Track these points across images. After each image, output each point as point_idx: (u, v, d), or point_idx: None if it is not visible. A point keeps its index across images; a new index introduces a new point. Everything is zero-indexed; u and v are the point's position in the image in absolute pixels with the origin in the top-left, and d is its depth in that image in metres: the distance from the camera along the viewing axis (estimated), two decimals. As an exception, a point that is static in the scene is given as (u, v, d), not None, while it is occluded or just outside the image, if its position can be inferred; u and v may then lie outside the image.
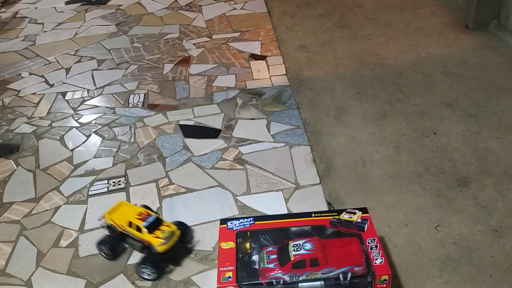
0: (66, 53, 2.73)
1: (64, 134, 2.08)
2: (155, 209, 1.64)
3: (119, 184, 1.78)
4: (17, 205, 1.74)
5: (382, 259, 1.13)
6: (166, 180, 1.78)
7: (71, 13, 3.24)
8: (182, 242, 1.46)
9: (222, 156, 1.87)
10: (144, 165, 1.87)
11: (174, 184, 1.76)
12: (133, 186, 1.77)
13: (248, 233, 1.25)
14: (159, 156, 1.90)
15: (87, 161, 1.92)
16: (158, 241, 1.38)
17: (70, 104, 2.28)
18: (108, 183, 1.79)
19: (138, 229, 1.40)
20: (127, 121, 2.13)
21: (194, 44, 2.72)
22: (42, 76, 2.53)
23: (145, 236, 1.39)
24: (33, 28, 3.07)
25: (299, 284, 1.11)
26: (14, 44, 2.89)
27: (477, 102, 2.07)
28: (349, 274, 1.10)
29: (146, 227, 1.39)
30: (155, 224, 1.41)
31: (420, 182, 1.70)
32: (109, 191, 1.75)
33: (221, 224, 1.29)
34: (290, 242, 1.18)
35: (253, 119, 2.07)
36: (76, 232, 1.61)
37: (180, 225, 1.49)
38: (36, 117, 2.21)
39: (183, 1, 3.28)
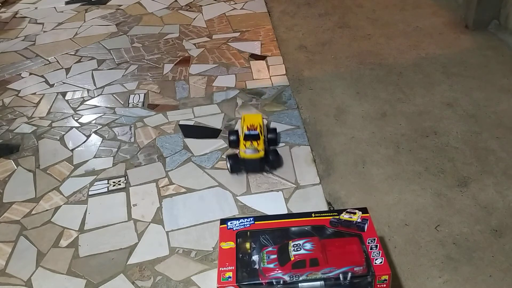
0: (66, 53, 2.73)
1: (64, 134, 2.08)
2: (155, 209, 1.65)
3: (119, 184, 1.78)
4: (17, 205, 1.74)
5: (382, 259, 1.13)
6: (166, 180, 1.78)
7: (71, 13, 3.24)
8: (266, 162, 1.71)
9: (222, 156, 1.87)
10: (144, 165, 1.87)
11: (174, 184, 1.76)
12: (133, 186, 1.77)
13: (248, 233, 1.25)
14: (159, 156, 1.90)
15: (87, 161, 1.92)
16: (242, 148, 1.68)
17: (70, 104, 2.28)
18: (108, 183, 1.79)
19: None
20: (127, 121, 2.13)
21: (194, 44, 2.72)
22: (42, 76, 2.53)
23: (240, 140, 1.72)
24: (33, 28, 3.07)
25: (299, 284, 1.11)
26: (14, 44, 2.89)
27: (477, 102, 2.07)
28: (349, 274, 1.10)
29: (244, 135, 1.69)
30: (251, 137, 1.67)
31: (420, 182, 1.70)
32: (109, 191, 1.75)
33: (221, 224, 1.29)
34: (290, 242, 1.18)
35: (253, 119, 2.07)
36: (76, 232, 1.61)
37: (272, 151, 1.74)
38: (36, 117, 2.21)
39: (183, 1, 3.28)
